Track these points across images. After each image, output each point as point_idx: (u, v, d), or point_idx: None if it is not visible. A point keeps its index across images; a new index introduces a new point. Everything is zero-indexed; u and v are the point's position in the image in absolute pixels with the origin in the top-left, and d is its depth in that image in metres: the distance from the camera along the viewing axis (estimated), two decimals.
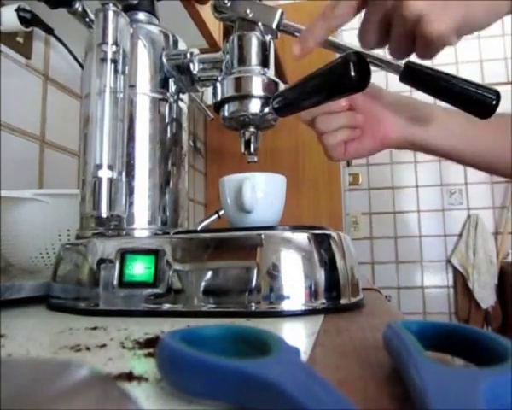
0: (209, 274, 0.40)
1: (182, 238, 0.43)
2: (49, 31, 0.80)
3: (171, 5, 0.78)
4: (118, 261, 0.42)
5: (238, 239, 0.41)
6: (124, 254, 0.42)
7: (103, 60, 0.41)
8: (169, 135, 0.51)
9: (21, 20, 0.73)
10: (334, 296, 0.41)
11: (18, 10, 0.73)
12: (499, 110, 0.40)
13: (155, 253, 0.41)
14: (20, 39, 0.82)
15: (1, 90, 0.77)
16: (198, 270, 0.40)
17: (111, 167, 0.40)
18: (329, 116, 0.52)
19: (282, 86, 0.51)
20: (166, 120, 0.51)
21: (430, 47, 0.35)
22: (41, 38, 0.88)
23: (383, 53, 0.43)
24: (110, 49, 0.41)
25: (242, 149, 0.53)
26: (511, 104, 0.52)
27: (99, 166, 0.40)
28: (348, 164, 1.99)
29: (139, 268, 0.41)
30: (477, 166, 0.57)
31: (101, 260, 0.42)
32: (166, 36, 0.52)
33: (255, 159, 0.54)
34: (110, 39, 0.42)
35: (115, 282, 0.41)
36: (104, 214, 0.40)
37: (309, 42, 0.41)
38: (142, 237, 0.47)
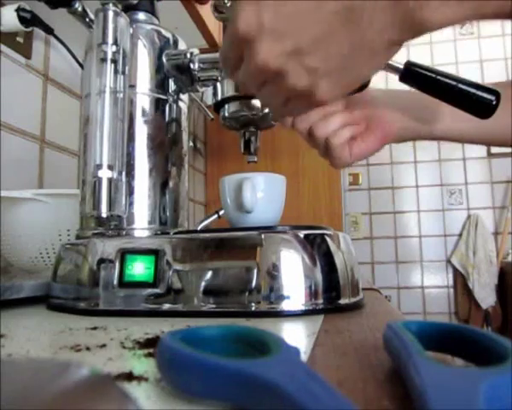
0: (209, 274, 0.40)
1: (182, 238, 0.43)
2: (49, 31, 0.80)
3: (171, 5, 0.78)
4: (118, 261, 0.42)
5: (238, 239, 0.41)
6: (124, 254, 0.42)
7: (103, 60, 0.41)
8: (169, 135, 0.51)
9: (21, 20, 0.73)
10: (334, 296, 0.41)
11: (18, 10, 0.73)
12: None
13: (155, 253, 0.41)
14: (20, 39, 0.82)
15: (1, 90, 0.77)
16: (198, 270, 0.40)
17: (111, 167, 0.40)
18: (327, 118, 0.50)
19: None
20: (166, 120, 0.51)
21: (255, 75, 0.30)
22: (41, 38, 0.88)
23: None
24: (110, 49, 0.41)
25: (242, 149, 0.53)
26: (511, 104, 0.51)
27: (99, 167, 0.40)
28: None
29: (139, 268, 0.41)
30: (490, 143, 0.55)
31: (101, 260, 0.42)
32: (166, 36, 0.52)
33: (255, 159, 0.54)
34: (110, 39, 0.42)
35: (115, 282, 0.41)
36: (104, 214, 0.40)
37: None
38: (142, 237, 0.47)
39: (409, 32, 0.27)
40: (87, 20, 0.51)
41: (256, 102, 0.50)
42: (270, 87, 0.32)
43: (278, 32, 0.28)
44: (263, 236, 0.40)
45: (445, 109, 0.52)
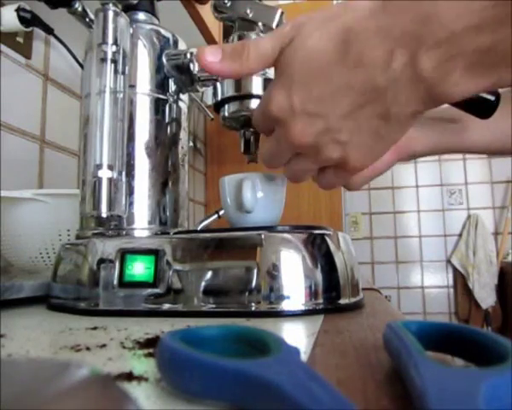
0: (209, 274, 0.40)
1: (182, 238, 0.43)
2: (49, 31, 0.80)
3: (171, 5, 0.78)
4: (118, 261, 0.42)
5: (238, 239, 0.41)
6: (124, 254, 0.42)
7: (103, 60, 0.41)
8: (169, 135, 0.51)
9: (21, 20, 0.73)
10: (334, 296, 0.41)
11: (18, 10, 0.73)
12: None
13: (155, 253, 0.41)
14: (20, 39, 0.82)
15: (1, 90, 0.77)
16: (198, 270, 0.40)
17: (111, 167, 0.40)
18: None
19: None
20: (166, 120, 0.51)
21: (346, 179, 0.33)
22: (41, 38, 0.88)
23: None
24: (110, 49, 0.41)
25: (242, 149, 0.53)
26: (511, 104, 0.51)
27: (99, 167, 0.40)
28: None
29: (139, 268, 0.41)
30: None
31: (101, 260, 0.42)
32: (166, 36, 0.52)
33: (255, 159, 0.54)
34: (110, 39, 0.42)
35: (115, 282, 0.41)
36: (104, 214, 0.40)
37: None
38: (142, 237, 0.47)
39: (431, 103, 0.28)
40: (87, 20, 0.51)
41: (256, 102, 0.50)
42: (302, 159, 0.34)
43: (309, 113, 0.30)
44: (263, 236, 0.40)
45: (468, 123, 0.51)
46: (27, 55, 0.85)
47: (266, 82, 0.50)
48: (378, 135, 0.30)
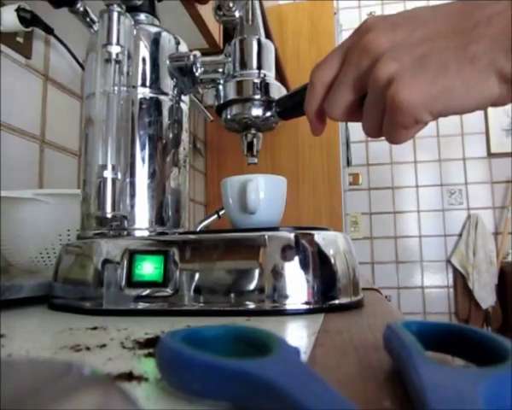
0: (215, 274, 0.40)
1: (190, 239, 0.43)
2: (49, 31, 0.80)
3: (171, 5, 0.78)
4: (126, 261, 0.42)
5: (243, 240, 0.42)
6: (133, 255, 0.42)
7: (108, 61, 0.41)
8: (170, 136, 0.51)
9: (21, 20, 0.73)
10: (335, 296, 0.41)
11: (18, 10, 0.73)
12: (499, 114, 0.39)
13: (164, 253, 0.42)
14: (20, 39, 0.82)
15: (1, 90, 0.77)
16: (204, 270, 0.40)
17: (115, 168, 0.40)
18: None
19: (283, 89, 0.51)
20: (168, 121, 0.51)
21: (396, 121, 0.29)
22: (41, 38, 0.89)
23: None
24: (114, 50, 0.41)
25: (245, 151, 0.53)
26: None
27: (104, 167, 0.40)
28: (348, 164, 1.99)
29: (148, 268, 0.41)
30: None
31: (108, 261, 0.42)
32: (168, 37, 0.52)
33: (255, 160, 0.54)
34: (115, 40, 0.42)
35: (123, 282, 0.41)
36: (109, 215, 0.40)
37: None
38: (148, 238, 0.47)
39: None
40: (87, 19, 0.51)
41: (258, 106, 0.50)
42: (352, 68, 0.32)
43: (395, 23, 0.31)
44: (266, 236, 0.40)
45: None
46: (27, 55, 0.85)
47: (266, 86, 0.50)
48: (443, 68, 0.28)
